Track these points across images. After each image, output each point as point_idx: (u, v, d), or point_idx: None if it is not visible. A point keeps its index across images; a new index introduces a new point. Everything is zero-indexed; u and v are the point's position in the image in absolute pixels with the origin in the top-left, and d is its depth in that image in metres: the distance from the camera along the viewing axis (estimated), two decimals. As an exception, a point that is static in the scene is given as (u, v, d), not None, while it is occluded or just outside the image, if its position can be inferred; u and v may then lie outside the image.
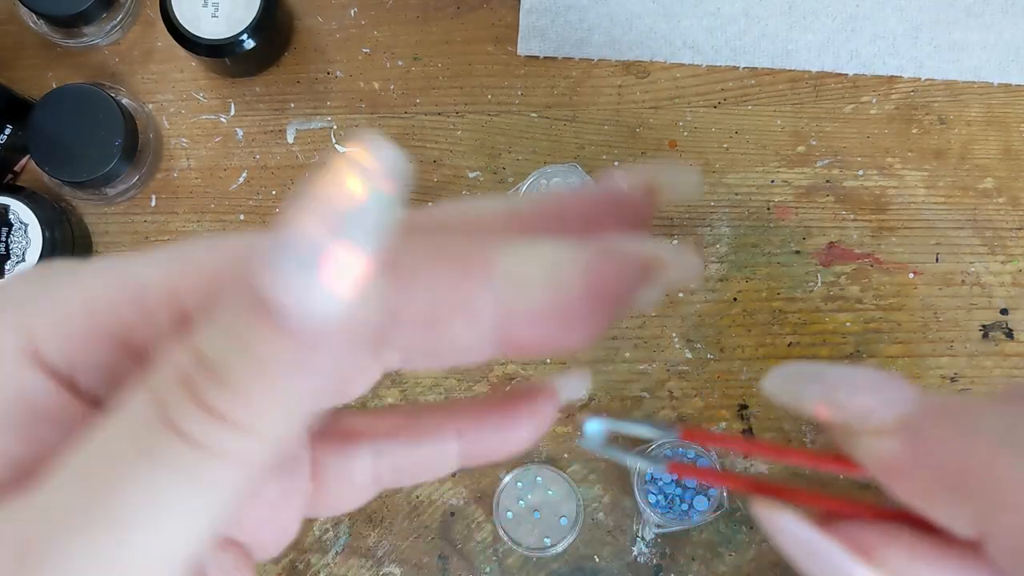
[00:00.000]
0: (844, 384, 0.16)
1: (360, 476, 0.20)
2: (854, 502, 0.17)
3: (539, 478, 0.44)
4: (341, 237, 0.14)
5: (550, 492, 0.44)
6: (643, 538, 0.45)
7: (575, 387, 0.21)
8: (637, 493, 0.43)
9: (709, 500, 0.43)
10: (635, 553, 0.45)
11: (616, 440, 0.17)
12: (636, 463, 0.15)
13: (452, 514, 0.45)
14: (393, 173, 0.14)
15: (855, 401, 0.16)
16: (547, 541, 0.44)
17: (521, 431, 0.20)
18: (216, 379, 0.15)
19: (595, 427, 0.15)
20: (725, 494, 0.43)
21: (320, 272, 0.14)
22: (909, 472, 0.16)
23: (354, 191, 0.14)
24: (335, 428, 0.21)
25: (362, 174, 0.14)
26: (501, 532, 0.44)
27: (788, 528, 0.17)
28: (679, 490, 0.43)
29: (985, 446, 0.15)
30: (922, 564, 0.16)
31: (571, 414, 0.46)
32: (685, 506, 0.43)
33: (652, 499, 0.43)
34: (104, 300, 0.17)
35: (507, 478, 0.44)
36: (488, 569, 0.45)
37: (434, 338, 0.16)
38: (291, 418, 0.15)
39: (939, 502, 0.15)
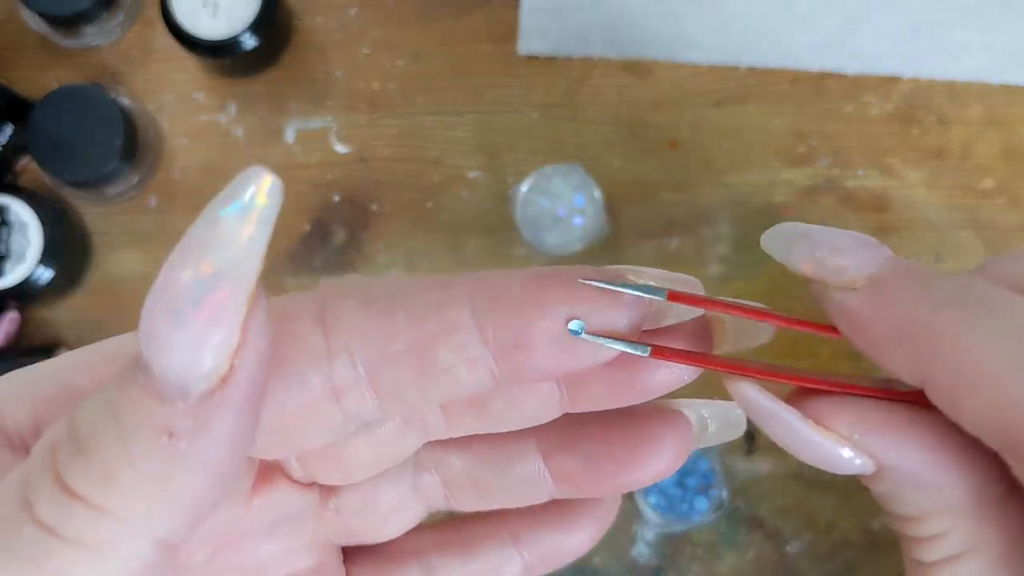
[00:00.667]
0: (827, 244, 0.18)
1: None
2: (823, 381, 0.19)
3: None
4: (213, 287, 0.13)
5: (550, 492, 0.44)
6: (643, 539, 0.45)
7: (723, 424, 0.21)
8: (637, 494, 0.43)
9: (709, 501, 0.43)
10: (635, 553, 0.45)
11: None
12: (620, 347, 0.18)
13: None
14: (272, 212, 0.13)
15: (833, 260, 0.18)
16: (547, 541, 0.44)
17: (582, 529, 0.19)
18: (80, 452, 0.13)
19: (577, 326, 0.16)
20: (725, 494, 0.43)
21: (189, 324, 0.13)
22: (867, 324, 0.18)
23: (231, 235, 0.13)
24: (377, 550, 0.20)
25: (239, 216, 0.13)
26: (501, 532, 0.44)
27: (752, 397, 0.19)
28: (679, 491, 0.43)
29: (933, 302, 0.17)
30: (865, 428, 0.18)
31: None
32: (685, 506, 0.43)
33: (652, 500, 0.43)
34: (70, 369, 0.16)
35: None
36: (488, 569, 0.45)
37: (423, 372, 0.16)
38: (173, 505, 0.13)
39: (890, 352, 0.17)
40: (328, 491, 0.19)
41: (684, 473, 0.43)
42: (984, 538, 0.18)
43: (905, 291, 0.17)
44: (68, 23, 0.45)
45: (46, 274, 0.43)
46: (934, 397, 0.17)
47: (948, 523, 0.19)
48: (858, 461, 0.18)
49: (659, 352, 0.18)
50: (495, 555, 0.19)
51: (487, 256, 0.46)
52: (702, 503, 0.43)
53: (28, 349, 0.45)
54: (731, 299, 0.19)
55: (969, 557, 0.19)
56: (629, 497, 0.44)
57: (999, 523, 0.18)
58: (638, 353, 0.17)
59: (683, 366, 0.18)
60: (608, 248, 0.46)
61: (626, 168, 0.47)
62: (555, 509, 0.19)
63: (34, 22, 0.46)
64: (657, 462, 0.18)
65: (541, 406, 0.18)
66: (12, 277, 0.43)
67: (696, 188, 0.47)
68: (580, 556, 0.19)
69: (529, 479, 0.19)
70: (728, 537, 0.45)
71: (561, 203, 0.45)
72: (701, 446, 0.20)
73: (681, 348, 0.18)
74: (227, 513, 0.17)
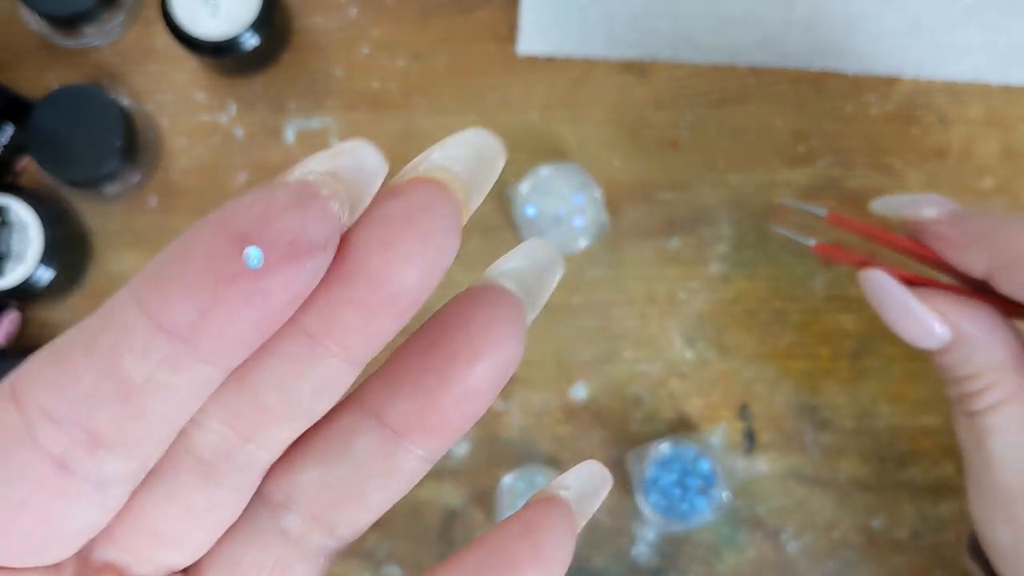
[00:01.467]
0: (920, 202, 0.30)
1: None
2: (928, 279, 0.30)
3: (540, 479, 0.44)
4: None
5: (550, 492, 0.44)
6: (644, 539, 0.45)
7: (586, 484, 0.18)
8: (637, 494, 0.43)
9: (710, 501, 0.43)
10: (635, 553, 0.45)
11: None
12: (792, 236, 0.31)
13: (452, 515, 0.45)
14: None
15: (926, 208, 0.30)
16: (547, 541, 0.44)
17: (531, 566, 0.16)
18: None
19: (254, 255, 0.14)
20: (726, 495, 0.43)
21: None
22: (950, 237, 0.29)
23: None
24: None
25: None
26: (501, 532, 0.44)
27: (878, 279, 0.30)
28: (680, 491, 0.43)
29: (996, 220, 0.28)
30: (951, 305, 0.28)
31: (572, 413, 0.46)
32: (685, 507, 0.43)
33: (652, 500, 0.43)
34: None
35: (507, 479, 0.44)
36: (488, 569, 0.45)
37: (128, 397, 0.14)
38: None
39: (966, 254, 0.28)
40: None
41: (684, 473, 0.43)
42: (1020, 388, 0.28)
43: (974, 216, 0.29)
44: (68, 23, 0.45)
45: (46, 274, 0.43)
46: (998, 281, 0.28)
47: (995, 377, 0.28)
48: (941, 330, 0.28)
49: (822, 247, 0.32)
50: None
51: (487, 256, 0.46)
52: (702, 504, 0.43)
53: (29, 349, 0.45)
54: (883, 231, 0.31)
55: (1009, 403, 0.28)
56: (630, 497, 0.44)
57: None
58: (807, 243, 0.31)
59: (440, 256, 0.15)
60: (608, 248, 0.46)
61: (626, 168, 0.47)
62: (488, 555, 0.16)
63: (34, 22, 0.46)
64: (483, 341, 0.16)
65: (323, 369, 0.15)
66: (12, 277, 0.43)
67: (696, 188, 0.47)
68: None
69: (380, 450, 0.16)
70: (728, 537, 0.45)
71: (561, 203, 0.45)
72: (535, 311, 0.17)
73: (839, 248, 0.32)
74: None
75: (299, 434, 0.16)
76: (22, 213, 0.43)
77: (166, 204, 0.47)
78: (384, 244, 0.14)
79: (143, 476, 0.15)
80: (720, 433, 0.45)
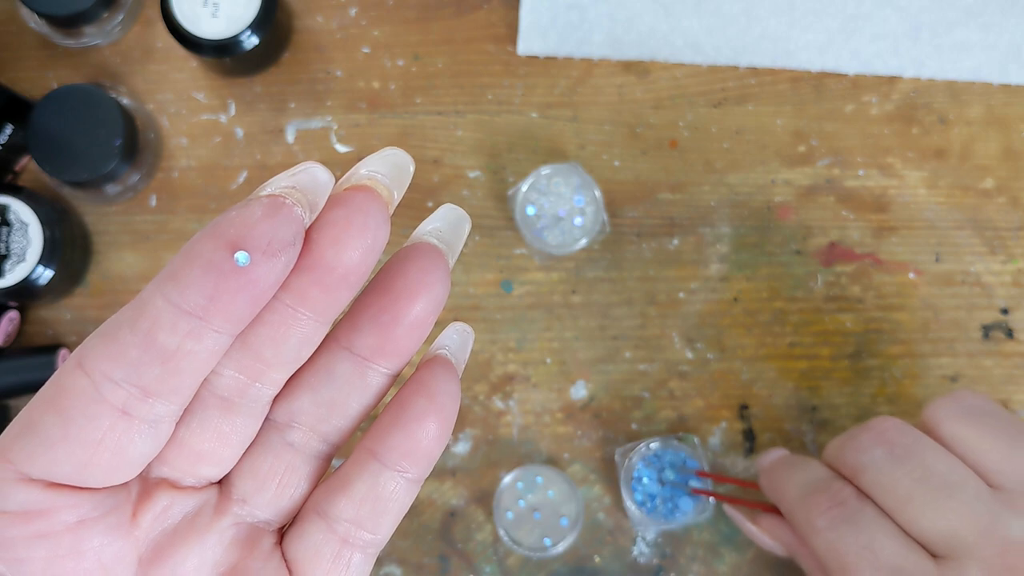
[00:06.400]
0: (761, 457, 0.41)
1: (330, 552, 0.22)
2: (762, 505, 0.41)
3: (539, 478, 0.44)
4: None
5: (551, 493, 0.44)
6: (644, 538, 0.45)
7: (457, 340, 0.22)
8: (623, 491, 0.43)
9: (695, 502, 0.43)
10: (635, 553, 0.45)
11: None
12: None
13: (452, 514, 0.45)
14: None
15: (758, 463, 0.41)
16: (547, 541, 0.44)
17: (428, 417, 0.21)
18: None
19: (242, 256, 0.18)
20: (712, 500, 0.43)
21: None
22: (761, 485, 0.40)
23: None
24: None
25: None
26: (501, 532, 0.44)
27: (731, 512, 0.42)
28: (665, 490, 0.43)
29: (773, 473, 0.39)
30: (778, 525, 0.39)
31: (572, 413, 0.46)
32: (670, 505, 0.43)
33: (638, 498, 0.43)
34: None
35: (507, 478, 0.44)
36: (488, 569, 0.45)
37: (165, 360, 0.19)
38: None
39: (767, 495, 0.39)
40: (225, 488, 0.22)
41: (671, 473, 0.43)
42: (815, 566, 0.37)
43: (763, 470, 0.40)
44: (68, 23, 0.45)
45: (46, 274, 0.43)
46: (781, 511, 0.38)
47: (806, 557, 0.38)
48: (771, 543, 0.40)
49: (695, 490, 0.43)
50: (367, 477, 0.21)
51: (487, 256, 0.46)
52: (687, 504, 0.43)
53: (28, 349, 0.45)
54: (731, 497, 0.43)
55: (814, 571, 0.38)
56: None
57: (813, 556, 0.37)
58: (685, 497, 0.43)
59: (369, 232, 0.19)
60: (608, 248, 0.46)
61: (626, 168, 0.47)
62: (394, 413, 0.21)
63: (34, 22, 0.46)
64: (416, 284, 0.20)
65: (302, 328, 0.20)
66: (12, 277, 0.43)
67: (696, 188, 0.47)
68: (442, 443, 0.21)
69: (355, 372, 0.21)
70: (728, 537, 0.45)
71: (561, 203, 0.45)
72: (454, 256, 0.21)
73: (704, 488, 0.43)
74: (116, 537, 0.20)
75: (292, 373, 0.21)
76: (22, 213, 0.43)
77: (166, 204, 0.47)
78: (334, 241, 0.19)
79: (181, 414, 0.20)
80: (720, 433, 0.45)
